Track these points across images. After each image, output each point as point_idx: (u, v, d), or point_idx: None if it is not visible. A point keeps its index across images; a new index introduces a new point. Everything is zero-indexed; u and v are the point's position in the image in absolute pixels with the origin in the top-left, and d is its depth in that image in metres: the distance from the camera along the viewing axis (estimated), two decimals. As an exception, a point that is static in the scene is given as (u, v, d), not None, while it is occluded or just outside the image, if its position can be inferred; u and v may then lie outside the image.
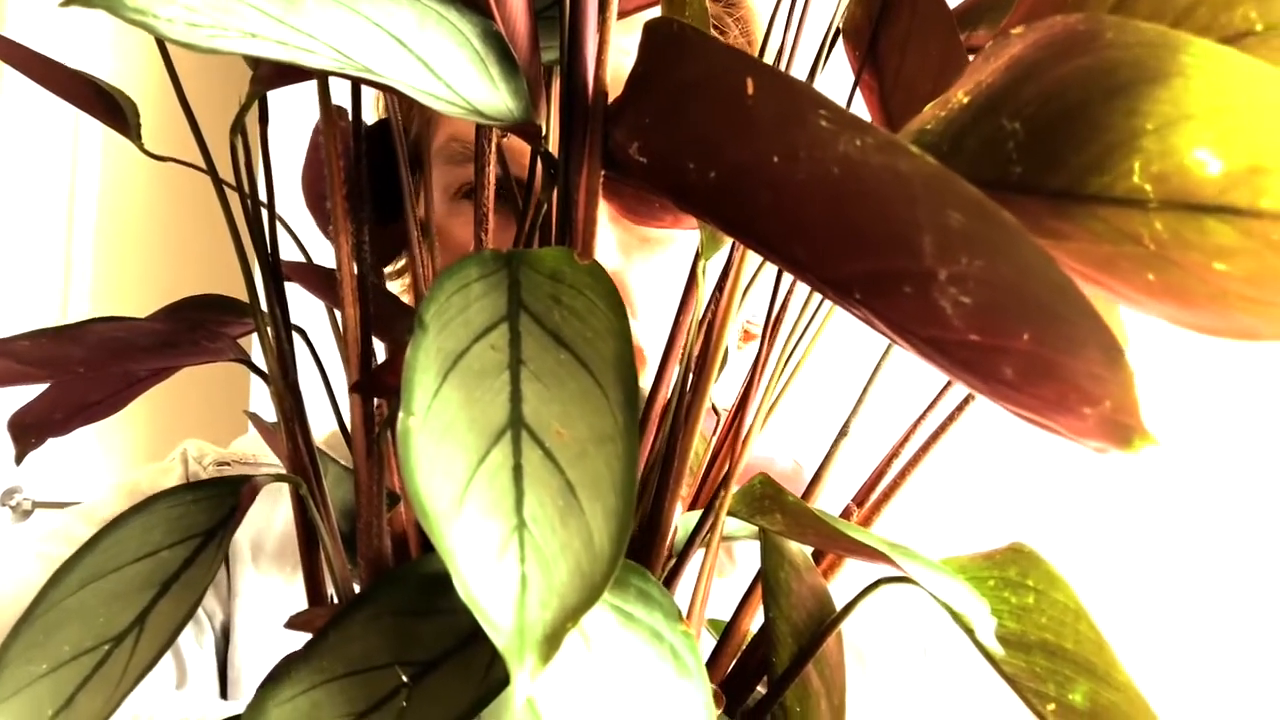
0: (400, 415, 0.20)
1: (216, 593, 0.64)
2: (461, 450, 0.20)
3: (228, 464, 0.69)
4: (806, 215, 0.21)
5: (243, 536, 0.65)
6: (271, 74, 0.29)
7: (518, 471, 0.21)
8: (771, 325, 0.36)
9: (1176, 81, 0.18)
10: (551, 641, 0.18)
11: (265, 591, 0.64)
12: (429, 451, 0.20)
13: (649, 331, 0.57)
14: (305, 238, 0.38)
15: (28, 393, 0.35)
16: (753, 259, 0.34)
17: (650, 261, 0.57)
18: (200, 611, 0.63)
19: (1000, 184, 0.21)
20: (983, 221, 0.17)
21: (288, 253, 0.39)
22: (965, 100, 0.22)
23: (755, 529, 0.34)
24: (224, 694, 0.63)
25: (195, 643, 0.62)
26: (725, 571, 0.68)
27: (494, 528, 0.20)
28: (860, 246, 0.19)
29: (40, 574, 0.61)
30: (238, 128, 0.30)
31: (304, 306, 0.40)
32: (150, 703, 0.45)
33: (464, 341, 0.22)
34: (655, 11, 0.34)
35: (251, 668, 0.62)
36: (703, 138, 0.23)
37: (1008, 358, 0.18)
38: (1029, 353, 0.17)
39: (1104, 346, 0.17)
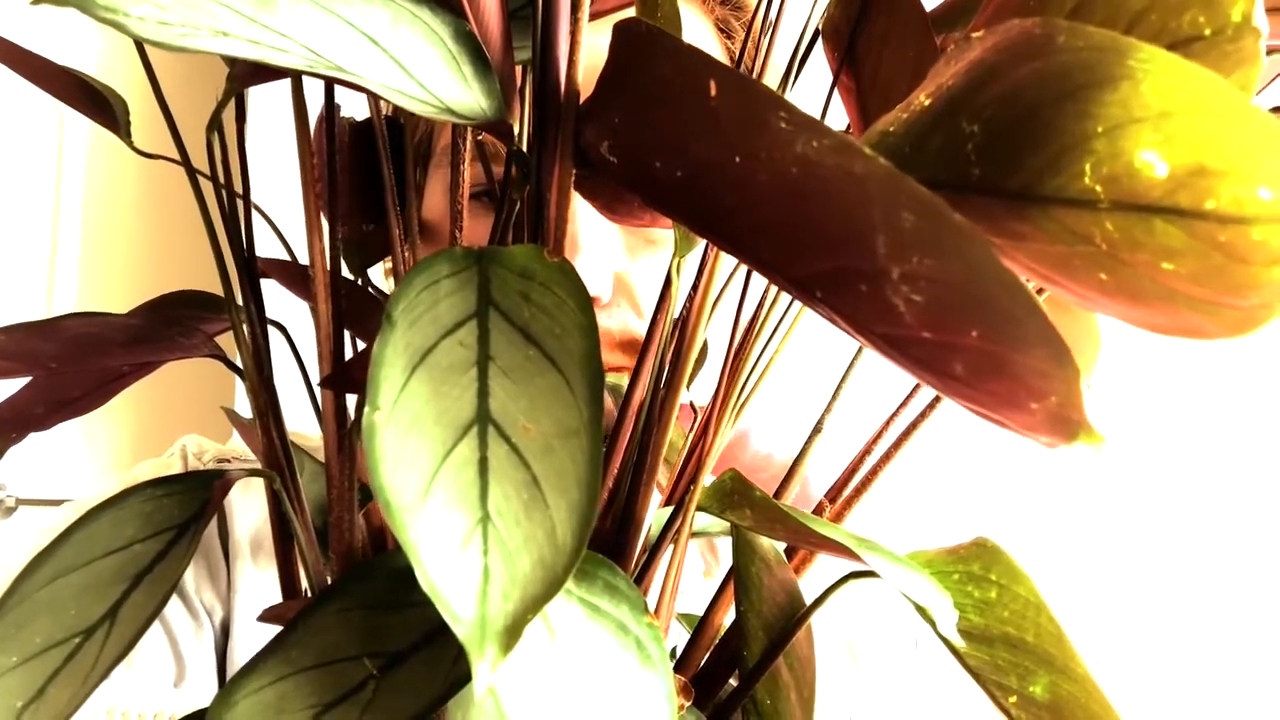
0: (366, 410, 0.20)
1: (216, 589, 0.64)
2: (427, 444, 0.21)
3: (227, 460, 0.69)
4: (769, 215, 0.21)
5: (242, 533, 0.65)
6: (247, 72, 0.29)
7: (483, 465, 0.21)
8: (745, 324, 0.36)
9: (1125, 85, 0.18)
10: (512, 632, 0.19)
11: (264, 587, 0.64)
12: (394, 445, 0.20)
13: None
14: (288, 234, 0.39)
15: (7, 387, 0.35)
16: (727, 259, 0.34)
17: (654, 260, 0.58)
18: (200, 607, 0.63)
19: (960, 185, 0.22)
20: (934, 222, 0.17)
21: (273, 249, 0.39)
22: (927, 103, 0.23)
23: (729, 524, 0.34)
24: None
25: (194, 639, 0.62)
26: (711, 572, 0.69)
27: (458, 520, 0.20)
28: (819, 246, 0.20)
29: None
30: (214, 125, 0.30)
31: (286, 303, 0.40)
32: (124, 695, 0.45)
33: (432, 337, 0.23)
34: (630, 12, 0.34)
35: None
36: (669, 138, 0.23)
37: (958, 354, 0.18)
38: (978, 349, 0.18)
39: (1050, 344, 0.17)
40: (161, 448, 0.74)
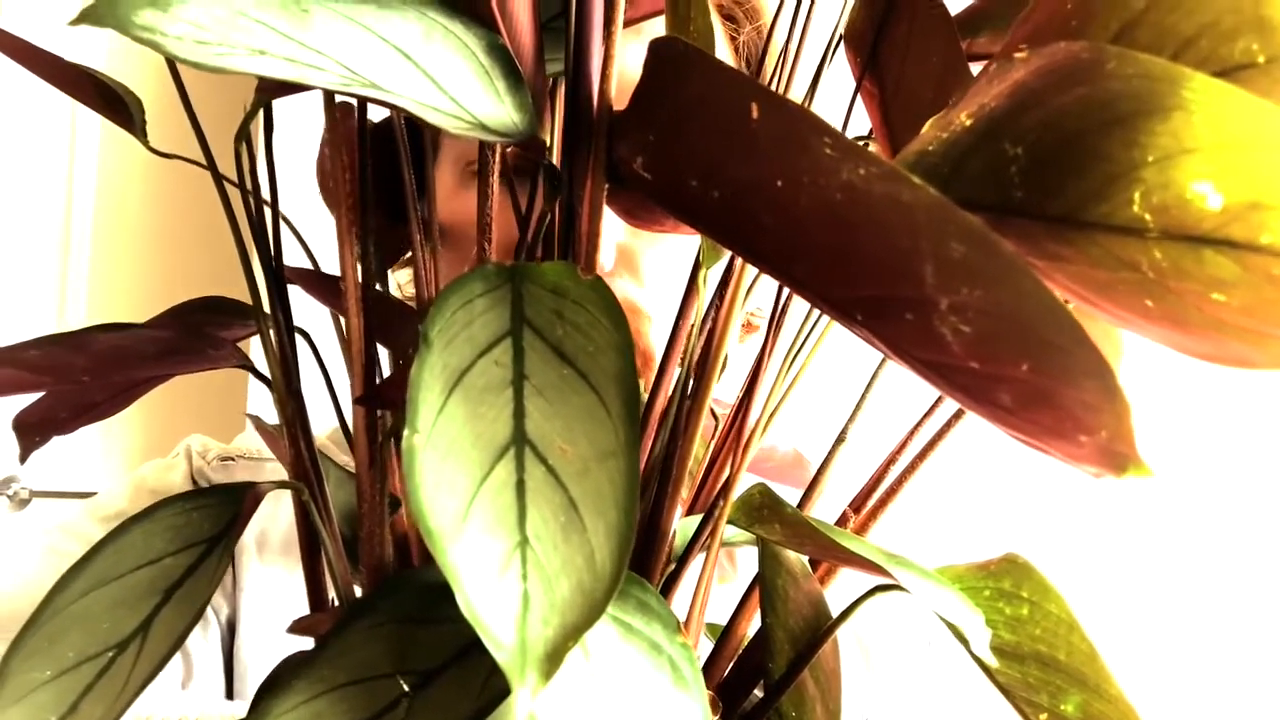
0: (405, 433, 0.20)
1: (221, 587, 0.64)
2: (465, 467, 0.21)
3: (231, 459, 0.69)
4: (808, 239, 0.21)
5: (248, 531, 0.65)
6: (276, 83, 0.29)
7: (521, 488, 0.21)
8: (774, 329, 0.36)
9: (1177, 115, 0.18)
10: (553, 659, 0.19)
11: (270, 585, 0.64)
12: (433, 468, 0.20)
13: (658, 302, 0.58)
14: (312, 243, 0.38)
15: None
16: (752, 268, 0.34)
17: (665, 241, 0.58)
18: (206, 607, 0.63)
19: (1001, 208, 0.22)
20: (983, 252, 0.17)
21: (294, 256, 0.39)
22: (968, 123, 0.23)
23: (752, 535, 0.34)
24: (230, 688, 0.63)
25: (201, 637, 0.62)
26: (727, 577, 0.68)
27: (497, 545, 0.20)
28: (863, 272, 0.20)
29: (46, 568, 0.61)
30: (242, 135, 0.30)
31: (307, 307, 0.40)
32: (150, 701, 0.45)
33: (468, 358, 0.22)
34: (661, 22, 0.34)
35: (257, 662, 0.63)
36: (706, 157, 0.23)
37: (1006, 385, 0.18)
38: (1027, 382, 0.18)
39: (1101, 376, 0.17)
40: (175, 441, 0.74)
